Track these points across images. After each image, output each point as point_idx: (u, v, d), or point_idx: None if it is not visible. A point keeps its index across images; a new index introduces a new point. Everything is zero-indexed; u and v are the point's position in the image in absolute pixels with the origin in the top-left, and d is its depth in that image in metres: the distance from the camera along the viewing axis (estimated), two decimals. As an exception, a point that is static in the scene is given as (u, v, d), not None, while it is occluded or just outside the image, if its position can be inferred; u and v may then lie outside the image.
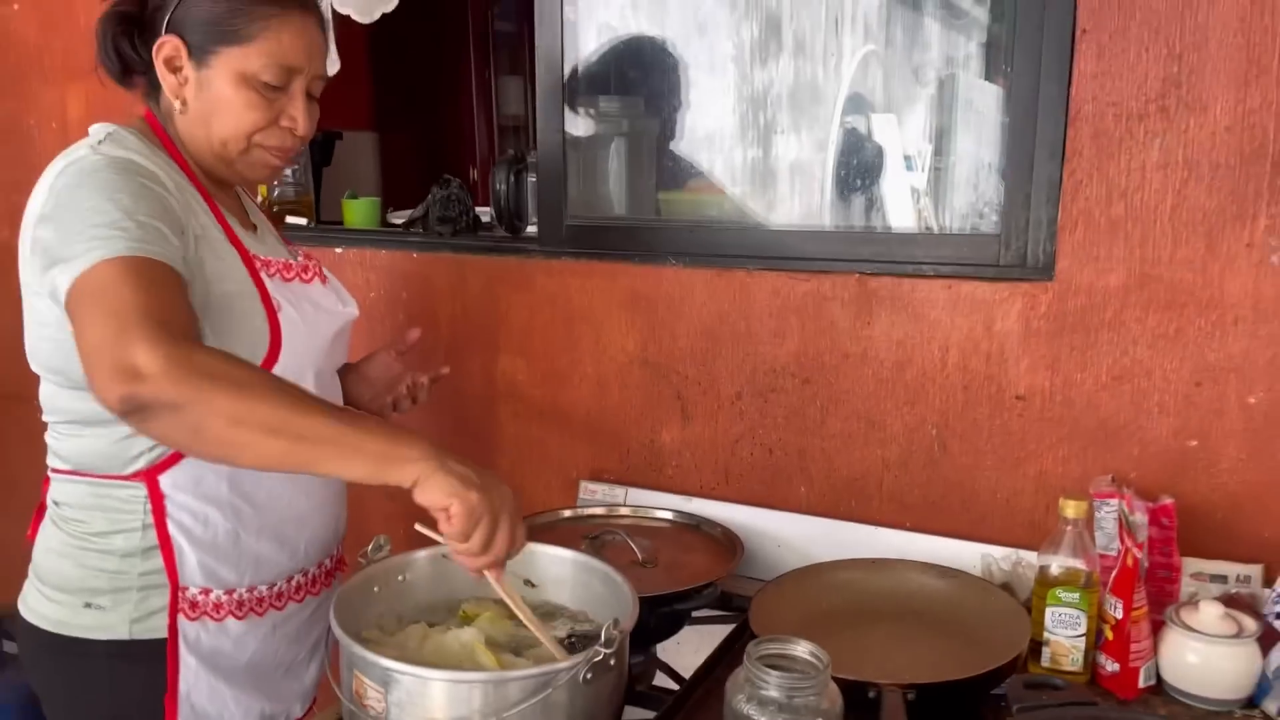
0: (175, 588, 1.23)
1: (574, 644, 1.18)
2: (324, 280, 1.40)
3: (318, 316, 1.32)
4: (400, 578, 1.27)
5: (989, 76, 1.86)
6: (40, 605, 1.26)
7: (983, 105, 1.84)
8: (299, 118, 1.26)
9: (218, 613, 1.26)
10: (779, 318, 1.70)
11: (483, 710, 1.01)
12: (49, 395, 1.25)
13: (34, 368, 1.24)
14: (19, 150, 2.45)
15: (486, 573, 1.07)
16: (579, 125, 1.95)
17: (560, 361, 1.90)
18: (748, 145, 1.93)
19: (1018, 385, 1.54)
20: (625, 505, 1.77)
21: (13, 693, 2.25)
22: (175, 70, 1.23)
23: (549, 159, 1.89)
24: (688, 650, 1.57)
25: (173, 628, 1.23)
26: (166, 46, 1.22)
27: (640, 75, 2.02)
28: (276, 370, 1.20)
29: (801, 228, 1.87)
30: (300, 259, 1.38)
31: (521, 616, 1.13)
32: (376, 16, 2.09)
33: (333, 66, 2.16)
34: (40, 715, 1.31)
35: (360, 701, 1.06)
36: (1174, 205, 1.40)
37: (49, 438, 1.28)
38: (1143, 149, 1.41)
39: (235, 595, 1.27)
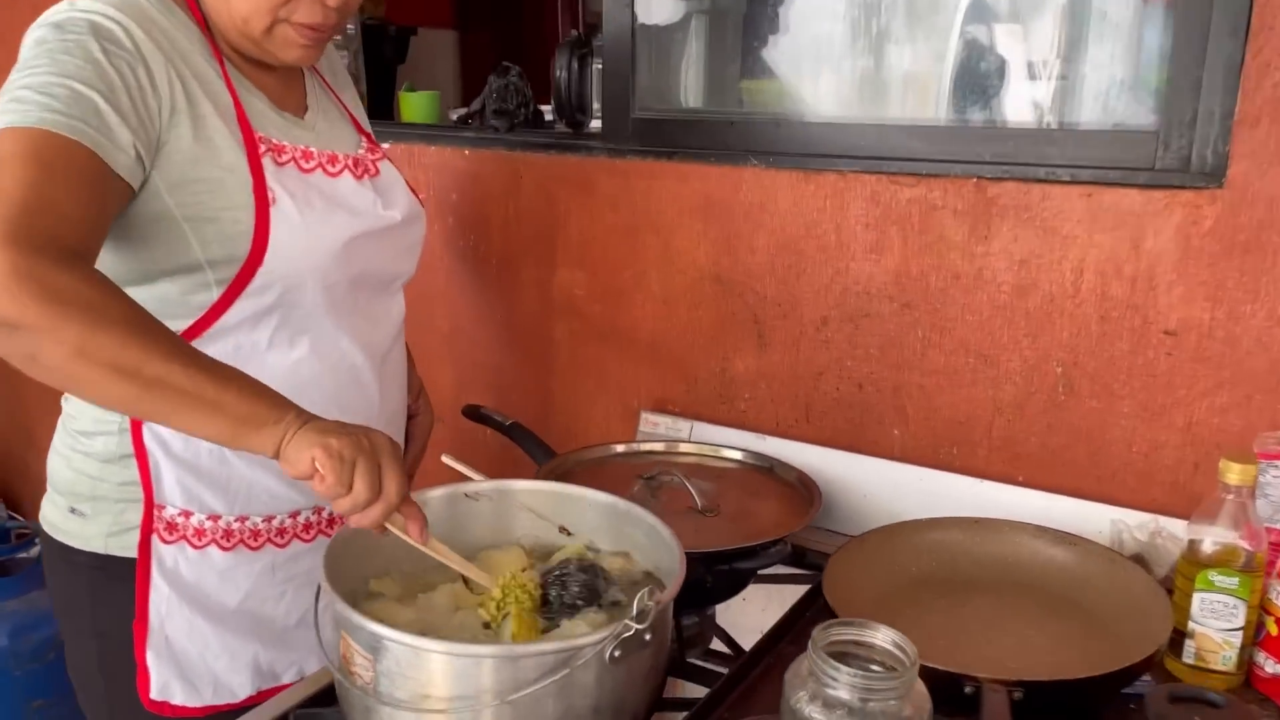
0: (150, 504, 1.18)
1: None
2: (373, 174, 1.27)
3: (330, 214, 1.18)
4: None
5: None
6: (45, 506, 1.26)
7: (1117, 16, 1.57)
8: None
9: (199, 539, 1.19)
10: (877, 230, 1.49)
11: (492, 689, 0.86)
12: None
13: None
14: None
15: (393, 528, 0.95)
16: (653, 3, 1.73)
17: (623, 275, 1.74)
18: (857, 55, 1.69)
19: (1168, 318, 1.31)
20: (689, 441, 1.60)
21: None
22: None
23: (615, 42, 1.69)
24: (753, 610, 1.44)
25: (144, 546, 1.18)
26: None
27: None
28: (264, 270, 1.11)
29: (909, 123, 1.62)
30: (363, 150, 1.28)
31: (454, 566, 1.02)
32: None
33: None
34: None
35: (348, 668, 0.91)
36: (1396, 93, 1.12)
37: None
38: (1359, 18, 1.13)
39: (221, 523, 1.20)
